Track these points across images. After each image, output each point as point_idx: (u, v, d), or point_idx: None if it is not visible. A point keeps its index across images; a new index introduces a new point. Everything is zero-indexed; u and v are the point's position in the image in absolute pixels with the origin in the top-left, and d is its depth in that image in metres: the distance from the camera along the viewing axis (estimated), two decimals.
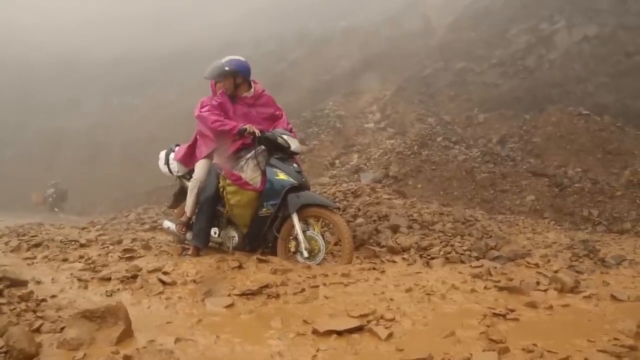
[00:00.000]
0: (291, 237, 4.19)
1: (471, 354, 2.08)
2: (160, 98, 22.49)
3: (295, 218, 4.08)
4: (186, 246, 4.71)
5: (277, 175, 4.19)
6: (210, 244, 4.51)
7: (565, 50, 12.18)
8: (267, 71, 17.75)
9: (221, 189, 4.29)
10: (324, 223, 4.48)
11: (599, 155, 9.43)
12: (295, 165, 4.36)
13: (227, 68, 4.35)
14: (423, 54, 15.93)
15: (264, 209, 4.22)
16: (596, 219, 7.75)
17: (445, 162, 9.60)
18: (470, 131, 11.51)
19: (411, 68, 15.55)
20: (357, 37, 19.42)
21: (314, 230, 4.20)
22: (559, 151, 9.81)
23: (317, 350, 2.27)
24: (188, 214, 4.61)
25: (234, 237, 4.40)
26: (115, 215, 9.25)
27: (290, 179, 4.18)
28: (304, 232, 4.11)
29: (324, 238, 4.21)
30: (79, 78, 25.65)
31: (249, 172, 4.20)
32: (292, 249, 4.17)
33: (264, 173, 4.22)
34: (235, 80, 4.40)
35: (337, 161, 12.37)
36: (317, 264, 3.99)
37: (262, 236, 4.35)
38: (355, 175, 10.44)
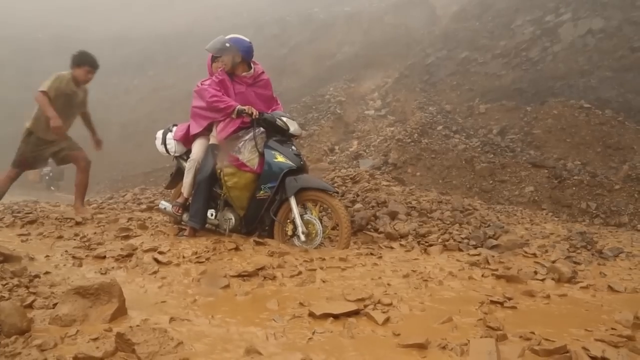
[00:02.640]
0: (288, 221, 4.16)
1: (468, 340, 2.06)
2: (160, 79, 22.30)
3: (292, 201, 4.05)
4: (183, 227, 4.68)
5: (276, 158, 4.16)
6: (206, 225, 4.48)
7: (570, 43, 12.05)
8: (269, 56, 17.56)
9: (218, 171, 4.25)
10: (322, 207, 4.46)
11: (598, 149, 9.38)
12: (293, 147, 4.32)
13: (228, 44, 4.31)
14: (426, 42, 15.79)
15: (261, 192, 4.18)
16: (594, 211, 7.73)
17: (445, 151, 9.56)
18: (470, 121, 11.43)
19: (414, 56, 15.42)
20: (360, 23, 19.22)
21: (312, 214, 4.18)
22: (559, 144, 9.75)
23: (313, 333, 2.24)
24: (185, 194, 4.57)
25: (231, 219, 4.37)
26: (112, 194, 9.22)
27: (289, 162, 4.14)
28: (301, 215, 4.08)
29: (321, 222, 4.19)
30: None
31: (246, 153, 4.16)
32: (289, 233, 4.14)
33: (262, 155, 4.18)
34: (234, 58, 4.34)
35: (336, 147, 12.31)
36: (315, 248, 3.97)
37: (259, 219, 4.33)
38: (355, 162, 10.40)
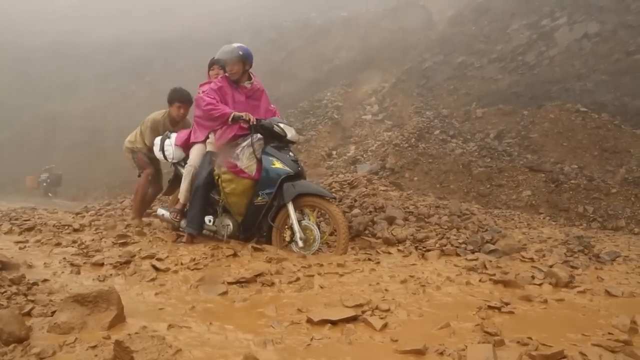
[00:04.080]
0: (286, 227, 4.17)
1: (466, 346, 2.07)
2: (158, 84, 22.22)
3: (290, 207, 4.06)
4: (181, 233, 4.68)
5: (273, 164, 4.17)
6: (204, 232, 4.49)
7: (566, 47, 12.11)
8: (267, 60, 17.58)
9: (216, 177, 4.26)
10: (319, 213, 4.47)
11: (595, 153, 9.42)
12: (291, 154, 4.34)
13: (241, 52, 4.32)
14: (423, 46, 15.85)
15: (259, 198, 4.19)
16: (591, 215, 7.75)
17: (442, 156, 9.58)
18: (468, 125, 11.47)
19: (411, 61, 15.47)
20: (357, 28, 19.28)
21: (310, 219, 4.19)
22: (556, 147, 9.79)
23: (311, 339, 2.25)
24: (182, 200, 4.58)
25: (229, 225, 4.38)
26: (110, 201, 9.19)
27: (286, 168, 4.15)
28: (299, 221, 4.09)
29: (319, 228, 4.20)
30: (75, 62, 25.36)
31: (245, 160, 4.17)
32: (287, 239, 4.15)
33: (259, 161, 4.19)
34: (245, 67, 4.37)
35: (334, 152, 12.32)
36: (312, 254, 3.98)
37: (257, 225, 4.33)
38: (352, 167, 10.41)
